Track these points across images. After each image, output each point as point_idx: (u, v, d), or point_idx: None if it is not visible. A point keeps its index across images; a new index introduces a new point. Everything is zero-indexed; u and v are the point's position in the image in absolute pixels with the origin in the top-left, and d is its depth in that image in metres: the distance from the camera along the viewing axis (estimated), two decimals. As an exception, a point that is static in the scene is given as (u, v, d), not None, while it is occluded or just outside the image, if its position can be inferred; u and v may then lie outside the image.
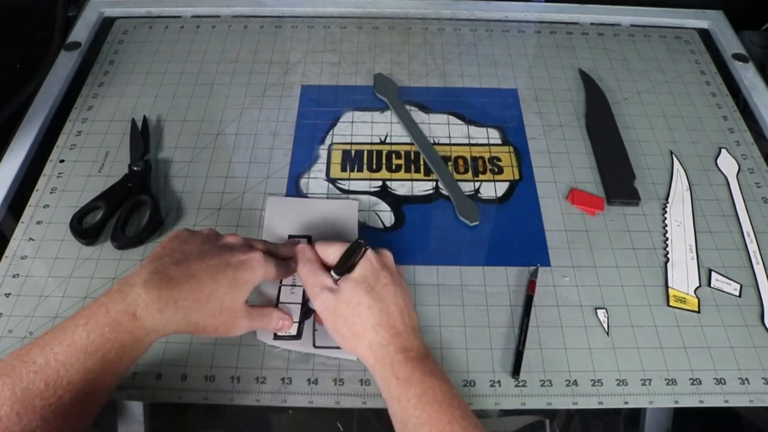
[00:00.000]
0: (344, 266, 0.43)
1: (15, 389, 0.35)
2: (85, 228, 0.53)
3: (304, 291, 0.47)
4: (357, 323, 0.41)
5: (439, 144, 0.61)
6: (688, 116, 0.64)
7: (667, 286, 0.51)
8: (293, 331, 0.46)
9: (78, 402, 0.36)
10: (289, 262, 0.46)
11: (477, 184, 0.57)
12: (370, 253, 0.44)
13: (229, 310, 0.40)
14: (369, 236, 0.53)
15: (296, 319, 0.46)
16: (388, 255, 0.45)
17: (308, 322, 0.47)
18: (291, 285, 0.48)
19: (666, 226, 0.55)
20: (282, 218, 0.53)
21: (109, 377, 0.37)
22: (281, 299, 0.47)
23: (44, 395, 0.35)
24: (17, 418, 0.34)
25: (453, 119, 0.63)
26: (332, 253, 0.45)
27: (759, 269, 0.52)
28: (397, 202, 0.56)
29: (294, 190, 0.56)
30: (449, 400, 0.38)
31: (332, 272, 0.44)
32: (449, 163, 0.59)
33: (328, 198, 0.56)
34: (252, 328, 0.43)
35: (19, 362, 0.36)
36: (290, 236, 0.51)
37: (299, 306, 0.47)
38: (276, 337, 0.46)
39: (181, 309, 0.38)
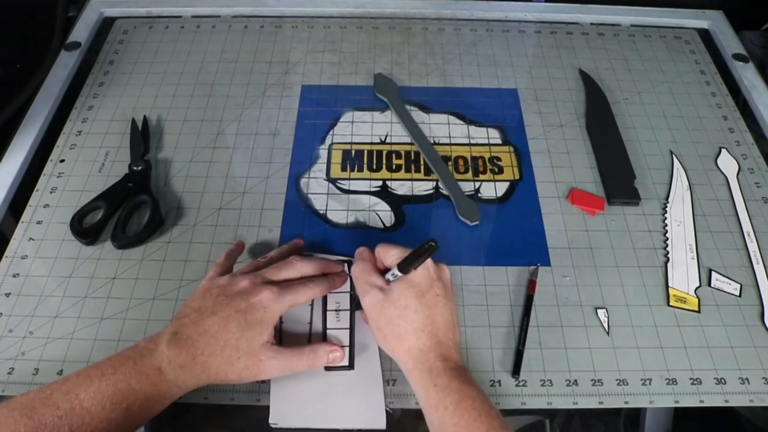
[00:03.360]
0: (411, 263, 0.42)
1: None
2: (85, 228, 0.53)
3: (350, 315, 0.47)
4: (400, 325, 0.41)
5: (439, 144, 0.61)
6: (688, 116, 0.64)
7: (667, 286, 0.51)
8: (345, 361, 0.45)
9: None
10: (323, 279, 0.46)
11: (477, 184, 0.57)
12: (428, 261, 0.43)
13: (247, 354, 0.41)
14: (369, 236, 0.53)
15: (346, 343, 0.46)
16: (446, 270, 0.44)
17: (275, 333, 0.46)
18: (336, 310, 0.47)
19: (666, 225, 0.55)
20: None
21: (129, 427, 0.38)
22: (328, 325, 0.47)
23: None
24: None
25: (453, 119, 0.63)
26: (393, 254, 0.44)
27: (759, 269, 0.52)
28: (397, 202, 0.56)
29: (294, 190, 0.56)
30: (487, 410, 0.38)
31: (391, 272, 0.43)
32: (449, 163, 0.59)
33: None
34: (290, 368, 0.42)
35: (40, 404, 0.36)
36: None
37: (347, 331, 0.46)
38: (328, 368, 0.45)
39: (199, 364, 0.40)
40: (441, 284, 0.43)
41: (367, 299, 0.43)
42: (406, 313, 0.41)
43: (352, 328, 0.47)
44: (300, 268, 0.46)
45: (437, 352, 0.40)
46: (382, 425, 0.43)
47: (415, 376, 0.41)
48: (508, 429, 0.38)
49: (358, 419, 0.43)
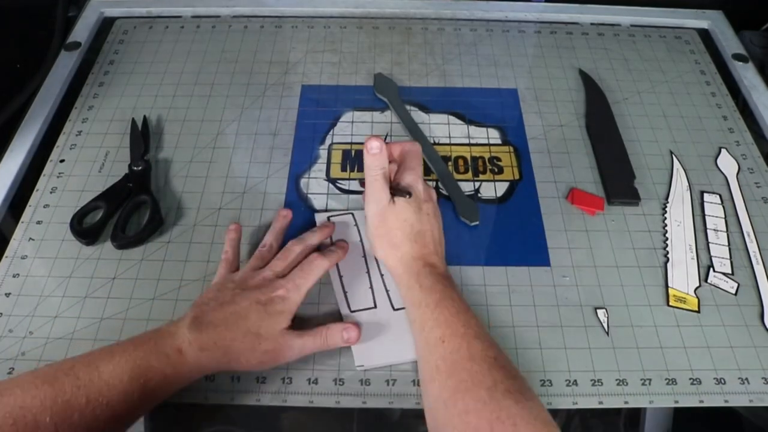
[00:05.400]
0: (401, 192, 0.47)
1: (57, 400, 0.36)
2: (85, 228, 0.53)
3: (365, 262, 0.51)
4: (398, 235, 0.47)
5: (439, 144, 0.61)
6: (688, 116, 0.64)
7: (667, 286, 0.51)
8: (370, 303, 0.49)
9: (111, 423, 0.37)
10: (328, 253, 0.49)
11: (477, 184, 0.57)
12: (424, 185, 0.49)
13: (268, 339, 0.42)
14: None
15: (368, 286, 0.50)
16: (434, 194, 0.51)
17: (338, 289, 0.49)
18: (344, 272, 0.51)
19: (666, 226, 0.55)
20: None
21: (144, 404, 0.39)
22: (343, 274, 0.50)
23: (84, 411, 0.36)
24: (54, 429, 0.35)
25: (453, 119, 0.63)
26: (408, 178, 0.48)
27: (759, 269, 0.52)
28: (397, 202, 0.56)
29: (294, 190, 0.57)
30: (465, 310, 0.43)
31: (395, 195, 0.47)
32: (449, 163, 0.59)
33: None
34: (306, 350, 0.44)
35: (62, 374, 0.37)
36: (329, 218, 0.54)
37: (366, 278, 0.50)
38: (353, 310, 0.48)
39: (220, 348, 0.41)
40: (431, 205, 0.49)
41: (374, 208, 0.47)
42: (403, 225, 0.47)
43: (368, 272, 0.50)
44: (302, 251, 0.49)
45: (426, 259, 0.46)
46: None
47: (403, 279, 0.46)
48: (482, 327, 0.42)
49: None
